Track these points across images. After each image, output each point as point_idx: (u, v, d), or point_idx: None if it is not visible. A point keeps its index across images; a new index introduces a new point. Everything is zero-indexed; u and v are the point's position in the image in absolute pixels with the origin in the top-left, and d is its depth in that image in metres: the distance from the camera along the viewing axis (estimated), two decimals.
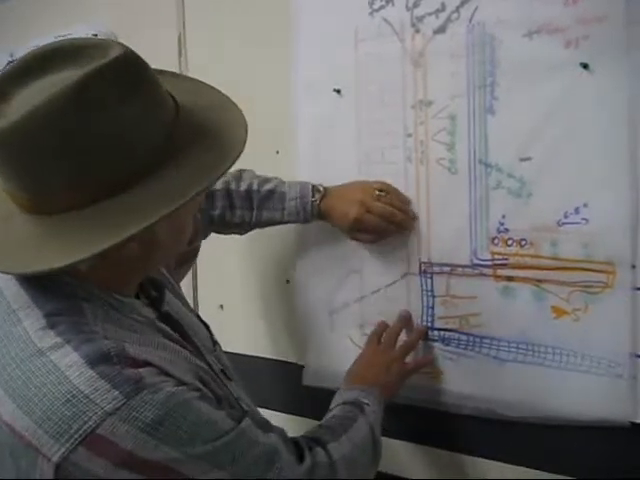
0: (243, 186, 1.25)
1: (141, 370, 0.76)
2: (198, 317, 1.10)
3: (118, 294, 0.85)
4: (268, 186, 1.25)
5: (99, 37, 1.76)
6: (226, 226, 1.27)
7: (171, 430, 0.75)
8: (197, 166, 0.79)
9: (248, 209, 1.25)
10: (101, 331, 0.79)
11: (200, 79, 1.54)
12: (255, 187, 1.24)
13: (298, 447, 0.90)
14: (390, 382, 1.16)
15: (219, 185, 1.23)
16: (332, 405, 1.10)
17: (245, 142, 0.83)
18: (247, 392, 1.08)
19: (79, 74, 0.72)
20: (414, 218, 1.22)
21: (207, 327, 1.10)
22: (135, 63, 0.77)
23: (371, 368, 1.18)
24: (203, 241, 1.45)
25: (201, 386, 0.84)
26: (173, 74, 0.94)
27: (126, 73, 0.75)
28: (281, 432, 0.91)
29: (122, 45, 0.77)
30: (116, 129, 0.74)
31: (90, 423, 0.72)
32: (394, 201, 1.21)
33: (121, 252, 0.78)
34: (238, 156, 0.81)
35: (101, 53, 0.75)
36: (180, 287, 1.14)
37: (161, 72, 0.87)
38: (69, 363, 0.74)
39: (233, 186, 1.25)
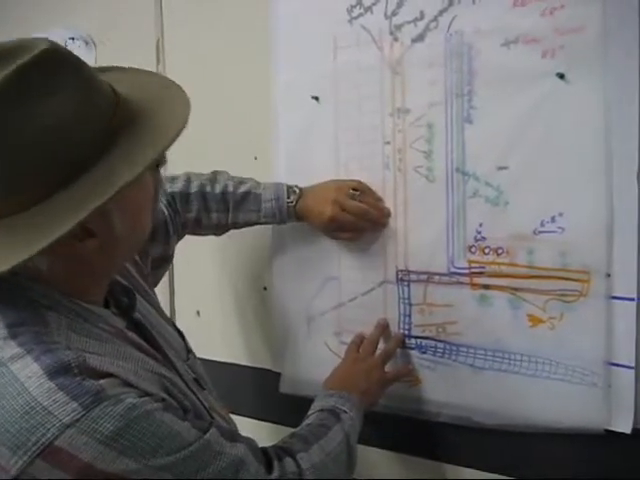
0: (218, 188, 1.24)
1: (102, 381, 0.75)
2: (173, 325, 1.09)
3: (85, 302, 0.84)
4: (243, 188, 1.25)
5: (76, 41, 1.76)
6: (202, 228, 1.27)
7: (132, 442, 0.74)
8: (135, 151, 0.78)
9: (224, 211, 1.25)
10: (64, 341, 0.77)
11: (177, 85, 1.55)
12: (230, 189, 1.24)
13: (267, 457, 0.89)
14: (370, 389, 1.16)
15: (194, 188, 1.24)
16: (309, 412, 1.09)
17: (185, 121, 0.81)
18: (221, 402, 1.07)
19: (1, 74, 0.72)
20: (388, 215, 1.23)
21: (182, 335, 1.09)
22: (62, 57, 0.76)
23: (350, 375, 1.18)
24: (180, 247, 1.44)
25: (166, 396, 0.83)
26: (120, 68, 0.93)
27: (52, 67, 0.74)
28: (249, 442, 0.89)
29: (49, 41, 0.75)
30: (49, 122, 0.73)
31: (48, 435, 0.71)
32: (368, 199, 1.23)
33: (78, 249, 0.78)
34: (176, 135, 0.80)
35: (26, 51, 0.74)
36: (155, 294, 1.13)
37: (105, 69, 0.88)
38: (29, 374, 0.73)
39: (208, 189, 1.24)
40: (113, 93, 0.81)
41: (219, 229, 1.29)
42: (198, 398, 0.95)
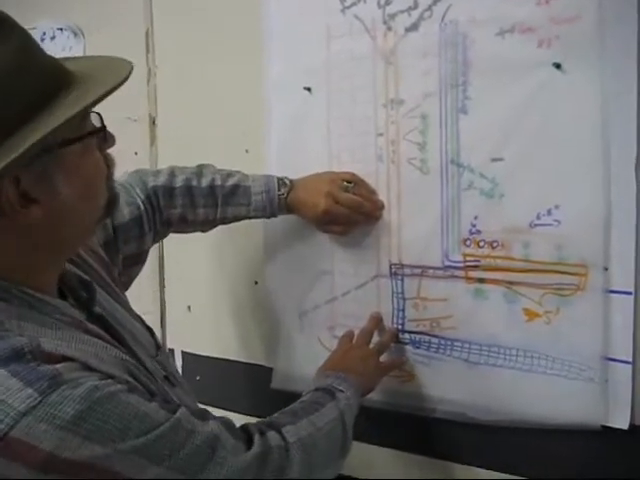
0: (205, 182, 1.20)
1: (59, 366, 0.71)
2: (142, 322, 1.05)
3: (37, 291, 0.80)
4: (232, 181, 1.21)
5: (65, 32, 1.73)
6: (188, 225, 1.23)
7: (96, 425, 0.70)
8: (67, 105, 0.75)
9: (212, 206, 1.21)
10: (16, 329, 0.74)
11: (168, 76, 1.54)
12: (218, 182, 1.20)
13: (247, 433, 0.86)
14: (367, 373, 1.14)
15: (179, 182, 1.19)
16: (305, 391, 1.07)
17: (123, 78, 0.79)
18: (195, 399, 1.05)
19: None
20: (382, 208, 1.21)
21: (151, 332, 1.05)
22: (6, 19, 0.75)
23: (347, 359, 1.16)
24: (170, 242, 1.42)
25: (130, 379, 0.80)
26: (83, 57, 0.93)
27: None
28: (223, 420, 0.86)
29: None
30: None
31: (2, 426, 0.67)
32: (362, 191, 1.21)
33: (21, 219, 0.75)
34: (110, 90, 0.77)
35: None
36: (124, 293, 1.08)
37: (68, 58, 0.86)
38: None
39: (194, 183, 1.20)
40: (54, 60, 0.80)
41: (206, 225, 1.25)
42: (168, 394, 0.92)
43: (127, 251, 1.13)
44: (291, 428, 0.90)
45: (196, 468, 0.78)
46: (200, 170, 1.22)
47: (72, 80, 0.79)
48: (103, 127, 0.83)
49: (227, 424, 0.85)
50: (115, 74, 0.80)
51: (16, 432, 0.67)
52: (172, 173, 1.21)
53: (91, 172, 0.83)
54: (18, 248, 0.79)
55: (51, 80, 0.77)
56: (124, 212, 1.12)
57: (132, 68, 0.81)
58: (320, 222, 1.23)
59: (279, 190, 1.21)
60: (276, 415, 0.96)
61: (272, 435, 0.87)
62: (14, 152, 0.70)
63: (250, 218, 1.23)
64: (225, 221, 1.24)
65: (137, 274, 1.19)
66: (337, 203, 1.19)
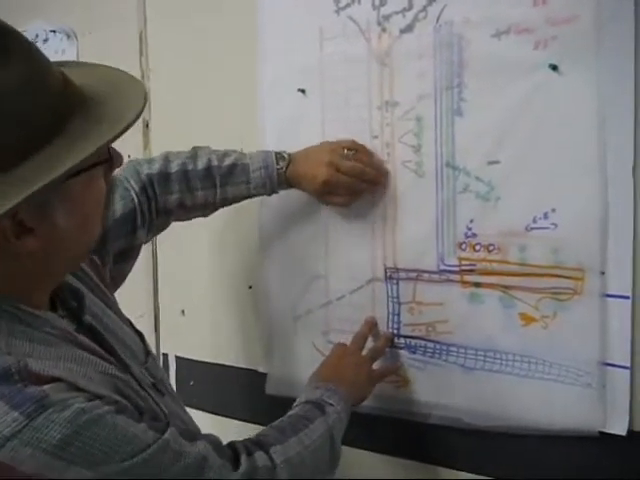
0: (201, 164, 1.16)
1: (46, 387, 0.71)
2: (132, 327, 1.04)
3: (29, 306, 0.79)
4: (229, 160, 1.17)
5: (58, 34, 1.72)
6: (187, 210, 1.19)
7: (82, 449, 0.70)
8: (85, 133, 0.73)
9: (210, 188, 1.17)
10: (4, 347, 0.73)
11: (162, 78, 1.52)
12: (215, 163, 1.17)
13: (234, 452, 0.85)
14: (358, 383, 1.13)
15: (174, 167, 1.16)
16: (295, 404, 1.06)
17: (139, 112, 0.77)
18: (183, 406, 1.04)
19: None
20: (385, 174, 1.18)
21: (141, 336, 1.04)
22: (12, 34, 0.72)
23: (338, 367, 1.14)
24: (163, 245, 1.41)
25: (119, 398, 0.79)
26: (78, 63, 0.90)
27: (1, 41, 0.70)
28: (211, 439, 0.85)
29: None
30: None
31: None
32: (363, 158, 1.18)
33: (15, 247, 0.73)
34: (128, 126, 0.75)
35: None
36: (114, 295, 1.07)
37: (61, 63, 0.83)
38: None
39: (190, 166, 1.16)
40: (63, 78, 0.76)
41: (207, 208, 1.21)
42: (157, 403, 0.91)
43: (117, 247, 1.10)
44: (279, 448, 0.89)
45: None
46: (195, 153, 1.19)
47: (83, 103, 0.76)
48: (110, 154, 0.80)
49: (215, 444, 0.84)
50: (130, 100, 0.78)
51: (1, 456, 0.67)
52: (166, 159, 1.17)
53: (93, 203, 0.81)
54: (9, 271, 0.78)
55: (62, 104, 0.74)
56: (117, 207, 1.10)
57: (146, 94, 0.80)
58: (321, 193, 1.19)
59: (277, 164, 1.17)
60: (264, 432, 0.95)
61: (259, 455, 0.87)
62: (20, 191, 0.68)
63: (251, 196, 1.20)
64: (226, 202, 1.20)
65: (129, 270, 1.17)
66: (338, 171, 1.16)
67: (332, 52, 1.22)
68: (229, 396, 1.47)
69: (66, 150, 0.72)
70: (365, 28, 1.18)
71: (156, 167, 1.16)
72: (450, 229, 1.12)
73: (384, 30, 1.16)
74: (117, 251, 1.10)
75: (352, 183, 1.17)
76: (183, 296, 1.56)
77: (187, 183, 1.16)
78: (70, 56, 1.69)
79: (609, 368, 1.01)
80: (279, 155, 1.18)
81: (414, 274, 1.17)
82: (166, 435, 0.78)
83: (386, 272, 1.21)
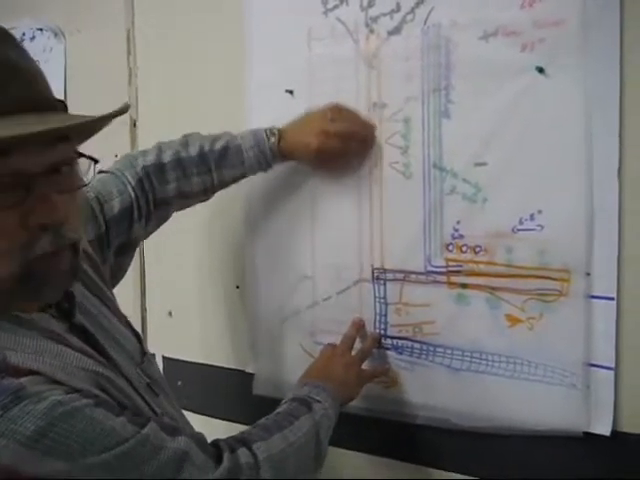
0: (194, 150, 1.17)
1: (23, 379, 0.71)
2: (129, 326, 1.04)
3: (14, 311, 0.79)
4: (220, 143, 1.18)
5: (45, 32, 1.71)
6: (187, 197, 1.19)
7: (57, 441, 0.70)
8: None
9: (206, 173, 1.17)
10: None
11: (149, 77, 1.52)
12: (207, 148, 1.17)
13: (218, 449, 0.85)
14: (348, 382, 1.13)
15: (168, 157, 1.16)
16: (283, 401, 1.05)
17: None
18: (178, 407, 1.04)
19: None
20: (374, 129, 1.18)
21: (138, 337, 1.04)
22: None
23: (327, 367, 1.14)
24: (151, 246, 1.41)
25: (99, 392, 0.79)
26: None
27: None
28: (195, 435, 0.85)
29: None
30: None
31: None
32: (350, 116, 1.18)
33: None
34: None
35: None
36: (112, 293, 1.07)
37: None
38: None
39: (183, 154, 1.17)
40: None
41: (206, 193, 1.21)
42: (149, 404, 0.91)
43: (117, 243, 1.11)
44: (262, 444, 0.89)
45: None
46: (186, 140, 1.19)
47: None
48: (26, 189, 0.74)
49: (198, 440, 0.84)
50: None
51: None
52: (159, 149, 1.17)
53: None
54: None
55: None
56: (114, 203, 1.10)
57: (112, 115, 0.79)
58: (315, 161, 1.20)
59: (269, 141, 1.18)
60: (249, 430, 0.95)
61: (242, 452, 0.86)
62: None
63: (247, 175, 1.21)
64: (223, 184, 1.21)
65: (129, 264, 1.18)
66: (328, 137, 1.16)
67: (320, 53, 1.22)
68: (217, 396, 1.47)
69: None
70: (353, 29, 1.18)
71: (150, 158, 1.16)
72: (437, 230, 1.13)
73: (372, 32, 1.16)
74: (117, 247, 1.10)
75: (343, 146, 1.17)
76: (170, 297, 1.55)
77: (183, 170, 1.16)
78: (57, 54, 1.68)
79: (594, 369, 1.02)
80: (269, 131, 1.18)
81: (401, 275, 1.18)
82: (145, 429, 0.78)
83: (373, 273, 1.21)
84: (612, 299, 1.00)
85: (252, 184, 1.28)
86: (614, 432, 1.01)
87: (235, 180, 1.21)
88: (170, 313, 1.55)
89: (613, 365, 1.01)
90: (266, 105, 1.30)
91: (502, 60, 1.04)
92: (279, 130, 1.19)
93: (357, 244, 1.21)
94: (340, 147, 1.17)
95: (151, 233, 1.20)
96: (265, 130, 1.19)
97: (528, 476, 1.10)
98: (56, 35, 1.70)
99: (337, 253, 1.24)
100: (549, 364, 1.05)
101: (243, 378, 1.40)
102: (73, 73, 1.67)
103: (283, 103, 1.27)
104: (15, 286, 0.76)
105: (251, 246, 1.35)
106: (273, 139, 1.18)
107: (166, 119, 1.47)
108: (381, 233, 1.19)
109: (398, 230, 1.17)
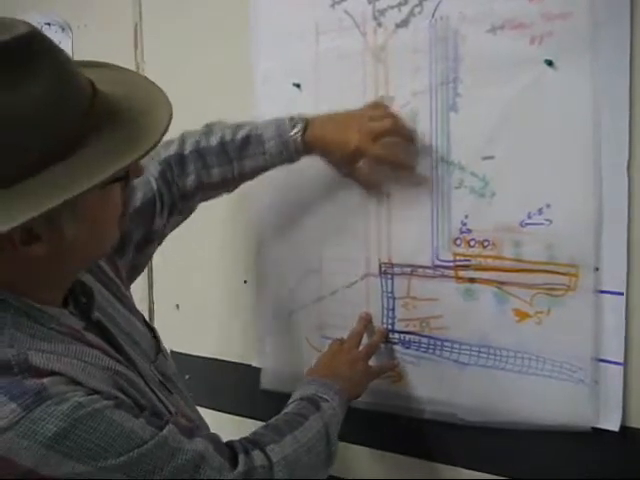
0: (214, 140, 1.13)
1: (45, 380, 0.72)
2: (146, 324, 1.05)
3: (37, 302, 0.80)
4: (242, 133, 1.13)
5: (52, 27, 1.71)
6: (209, 189, 1.17)
7: (78, 443, 0.71)
8: (108, 151, 0.74)
9: (226, 164, 1.14)
10: (7, 340, 0.74)
11: (156, 72, 1.52)
12: (228, 138, 1.13)
13: (233, 451, 0.86)
14: (354, 378, 1.12)
15: (188, 148, 1.14)
16: (290, 400, 1.06)
17: (166, 128, 0.78)
18: (193, 404, 1.04)
19: None
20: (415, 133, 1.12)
21: (154, 333, 1.05)
22: (39, 42, 0.72)
23: (334, 364, 1.14)
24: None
25: (119, 394, 0.79)
26: (103, 64, 0.89)
27: (29, 51, 0.70)
28: (211, 437, 0.86)
29: (28, 25, 0.72)
30: (16, 112, 0.69)
31: None
32: (393, 121, 1.11)
33: (22, 252, 0.74)
34: (156, 143, 0.76)
35: (6, 30, 0.70)
36: (129, 290, 1.08)
37: (88, 63, 0.83)
38: None
39: (203, 144, 1.14)
40: (92, 89, 0.77)
41: (227, 185, 1.18)
42: (162, 401, 0.91)
43: (138, 237, 1.10)
44: (275, 447, 0.89)
45: None
46: (209, 129, 1.16)
47: (110, 117, 0.76)
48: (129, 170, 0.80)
49: (214, 442, 0.85)
50: (157, 118, 0.79)
51: None
52: (182, 140, 1.15)
53: (104, 216, 0.82)
54: (18, 272, 0.79)
55: (87, 120, 0.74)
56: (137, 197, 1.09)
57: (171, 113, 0.80)
58: (348, 162, 1.15)
59: (292, 130, 1.12)
60: (260, 431, 0.95)
61: (257, 454, 0.87)
62: (31, 207, 0.68)
63: (270, 167, 1.16)
64: (245, 176, 1.17)
65: (150, 256, 1.18)
66: (370, 139, 1.10)
67: (327, 47, 1.21)
68: (223, 391, 1.47)
69: (86, 167, 0.72)
70: (360, 22, 1.17)
71: (172, 149, 1.14)
72: (445, 225, 1.12)
73: (379, 25, 1.15)
74: (138, 241, 1.10)
75: (385, 157, 1.12)
76: (178, 290, 1.55)
77: (203, 161, 1.14)
78: (65, 49, 1.67)
79: (602, 364, 1.01)
80: (293, 120, 1.13)
81: (409, 269, 1.17)
82: (164, 431, 0.78)
83: (381, 267, 1.20)
84: (621, 294, 0.99)
85: (259, 178, 1.27)
86: (623, 428, 1.01)
87: (257, 172, 1.17)
88: (177, 306, 1.55)
89: (622, 360, 1.00)
90: (273, 99, 1.29)
91: (510, 53, 1.03)
92: (306, 120, 1.12)
93: (364, 238, 1.21)
94: (380, 158, 1.12)
95: (175, 227, 1.19)
96: (289, 120, 1.13)
97: (535, 471, 1.10)
98: (63, 30, 1.70)
99: (344, 247, 1.23)
100: (557, 359, 1.04)
101: (250, 372, 1.40)
102: None
103: (290, 97, 1.26)
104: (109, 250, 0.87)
105: (259, 240, 1.35)
106: (297, 130, 1.11)
107: (173, 113, 1.47)
108: (389, 227, 1.18)
109: (406, 224, 1.16)
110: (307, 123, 1.12)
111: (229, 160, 1.14)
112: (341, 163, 1.17)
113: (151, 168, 1.11)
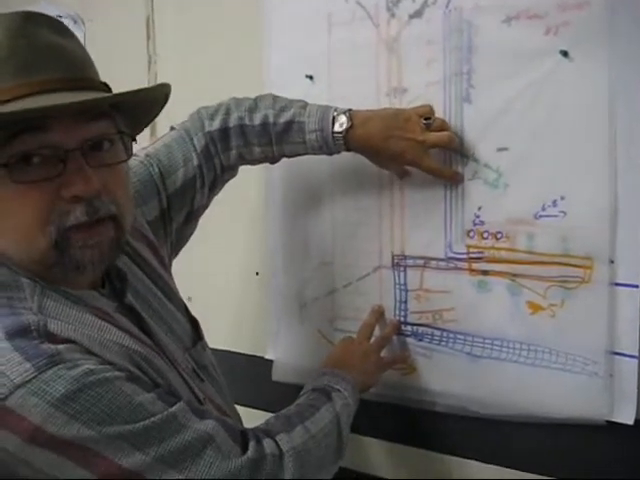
0: (257, 120, 1.12)
1: (60, 346, 0.75)
2: (186, 310, 1.09)
3: (65, 286, 0.84)
4: (285, 117, 1.11)
5: (64, 19, 1.71)
6: (249, 162, 1.18)
7: (84, 407, 0.73)
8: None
9: (267, 145, 1.14)
10: (35, 307, 0.79)
11: (168, 64, 1.52)
12: (271, 119, 1.12)
13: (244, 438, 0.86)
14: (367, 370, 1.13)
15: (232, 122, 1.14)
16: (302, 392, 1.06)
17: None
18: (227, 396, 1.06)
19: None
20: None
21: (194, 323, 1.09)
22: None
23: (346, 355, 1.14)
24: None
25: (133, 369, 0.81)
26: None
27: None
28: (224, 421, 0.86)
29: None
30: None
31: None
32: (443, 127, 1.09)
33: None
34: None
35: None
36: (171, 275, 1.12)
37: None
38: None
39: (247, 121, 1.13)
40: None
41: (268, 161, 1.19)
42: (190, 387, 0.93)
43: (181, 217, 1.13)
44: (284, 436, 0.89)
45: (183, 463, 0.78)
46: (255, 104, 1.15)
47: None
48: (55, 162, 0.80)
49: (226, 425, 0.85)
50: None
51: (9, 402, 0.72)
52: (227, 112, 1.15)
53: (19, 217, 0.81)
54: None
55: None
56: (178, 175, 1.10)
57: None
58: (390, 165, 1.14)
59: (335, 127, 1.09)
60: (271, 421, 0.95)
61: (267, 443, 0.87)
62: None
63: (310, 154, 1.15)
64: (286, 156, 1.17)
65: (193, 231, 1.20)
66: (425, 151, 1.09)
67: (340, 38, 1.21)
68: (236, 382, 1.46)
69: None
70: (373, 13, 1.17)
71: (217, 123, 1.15)
72: (458, 216, 1.12)
73: (393, 15, 1.15)
74: (179, 220, 1.12)
75: (441, 173, 1.11)
76: (190, 283, 1.55)
77: (244, 139, 1.14)
78: None
79: (617, 357, 1.01)
80: (338, 116, 1.10)
81: (421, 261, 1.17)
82: (174, 408, 0.80)
83: (393, 259, 1.20)
84: (636, 287, 0.98)
85: (272, 170, 1.27)
86: (637, 421, 1.00)
87: (299, 154, 1.16)
88: (190, 299, 1.54)
89: (637, 353, 0.99)
90: (286, 90, 1.27)
91: (525, 44, 1.02)
92: (352, 117, 1.09)
93: (377, 230, 1.21)
94: (438, 168, 1.10)
95: (214, 196, 1.19)
96: (335, 114, 1.10)
97: (549, 465, 1.09)
98: (75, 22, 1.70)
99: (357, 239, 1.23)
100: (571, 352, 1.04)
101: (262, 364, 1.40)
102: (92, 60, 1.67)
103: (303, 88, 1.26)
104: (56, 258, 0.81)
105: (271, 232, 1.35)
106: (342, 127, 1.09)
107: (185, 106, 1.47)
108: (401, 219, 1.18)
109: (419, 216, 1.16)
110: (352, 122, 1.09)
111: (269, 142, 1.14)
112: (381, 165, 1.16)
113: (195, 140, 1.13)
